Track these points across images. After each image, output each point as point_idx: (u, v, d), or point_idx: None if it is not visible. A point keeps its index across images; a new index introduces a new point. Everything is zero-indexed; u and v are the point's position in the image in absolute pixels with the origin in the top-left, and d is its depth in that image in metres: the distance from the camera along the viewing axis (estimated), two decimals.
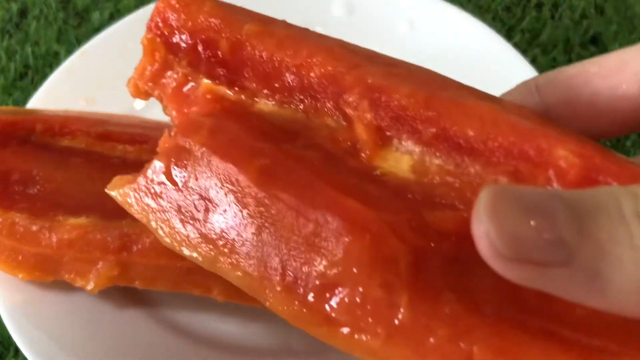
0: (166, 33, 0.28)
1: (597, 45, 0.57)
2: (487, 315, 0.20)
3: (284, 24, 0.28)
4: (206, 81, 0.28)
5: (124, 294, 0.40)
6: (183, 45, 0.28)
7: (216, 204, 0.24)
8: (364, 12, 0.54)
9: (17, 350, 0.42)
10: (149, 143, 0.40)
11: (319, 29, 0.57)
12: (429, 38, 0.52)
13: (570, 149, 0.21)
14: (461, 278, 0.21)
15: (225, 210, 0.24)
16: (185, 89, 0.28)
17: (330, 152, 0.25)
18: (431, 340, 0.20)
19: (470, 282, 0.21)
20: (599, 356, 0.19)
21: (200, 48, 0.27)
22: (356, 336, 0.21)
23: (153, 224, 0.26)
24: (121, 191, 0.27)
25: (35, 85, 0.56)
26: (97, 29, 0.59)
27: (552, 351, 0.19)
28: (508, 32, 0.58)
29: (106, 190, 0.28)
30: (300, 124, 0.26)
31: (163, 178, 0.26)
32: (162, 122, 0.44)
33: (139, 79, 0.28)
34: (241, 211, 0.24)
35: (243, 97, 0.27)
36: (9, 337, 0.42)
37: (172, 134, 0.26)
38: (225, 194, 0.24)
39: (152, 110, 0.49)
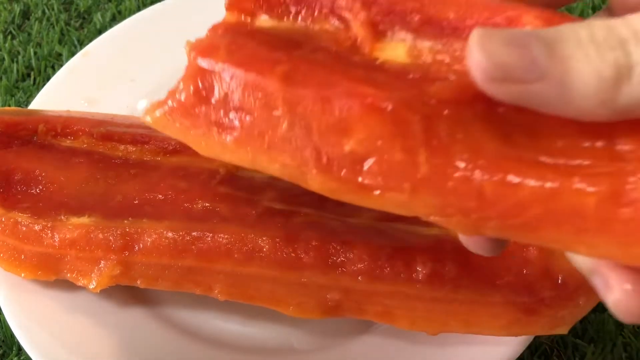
0: None
1: None
2: (490, 157, 0.24)
3: None
4: None
5: (126, 292, 0.40)
6: None
7: (248, 111, 0.27)
8: None
9: (20, 349, 0.42)
10: (150, 143, 0.40)
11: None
12: None
13: (534, 14, 0.25)
14: (464, 134, 0.24)
15: (257, 115, 0.27)
16: None
17: (335, 52, 0.28)
18: (449, 184, 0.24)
19: (472, 135, 0.24)
20: (572, 170, 0.23)
21: None
22: (387, 194, 0.25)
23: (189, 139, 0.29)
24: (153, 115, 0.29)
25: (37, 86, 0.56)
26: (99, 31, 0.59)
27: (544, 173, 0.23)
28: None
29: (140, 117, 0.30)
30: (301, 33, 0.29)
31: (191, 97, 0.28)
32: None
33: None
34: (272, 113, 0.26)
35: (242, 17, 0.30)
36: (12, 336, 0.42)
37: (191, 57, 0.29)
38: (255, 101, 0.27)
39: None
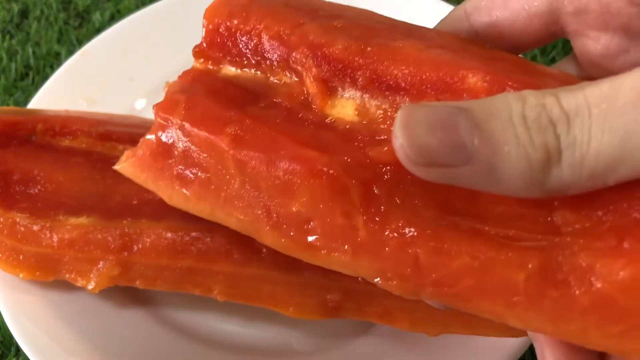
0: None
1: None
2: (426, 225, 0.24)
3: None
4: None
5: (124, 293, 0.40)
6: None
7: (203, 166, 0.28)
8: None
9: (18, 350, 0.42)
10: None
11: None
12: None
13: (479, 75, 0.25)
14: (403, 197, 0.25)
15: (211, 171, 0.28)
16: None
17: (288, 108, 0.29)
18: (386, 250, 0.24)
19: (410, 200, 0.25)
20: (506, 242, 0.23)
21: None
22: (332, 255, 0.25)
23: (157, 189, 0.30)
24: (124, 165, 0.31)
25: (36, 85, 0.56)
26: (98, 30, 0.59)
27: (478, 245, 0.23)
28: None
29: (114, 167, 0.32)
30: (261, 84, 0.30)
31: (156, 150, 0.30)
32: None
33: None
34: (224, 170, 0.27)
35: (209, 65, 0.31)
36: (10, 337, 0.42)
37: (154, 111, 0.30)
38: (209, 158, 0.28)
39: (152, 110, 0.50)
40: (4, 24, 0.62)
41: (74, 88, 0.50)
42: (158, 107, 0.30)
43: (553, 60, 0.55)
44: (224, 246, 0.35)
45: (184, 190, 0.29)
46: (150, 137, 0.30)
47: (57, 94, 0.49)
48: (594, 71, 0.28)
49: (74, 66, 0.51)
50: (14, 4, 0.63)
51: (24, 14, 0.63)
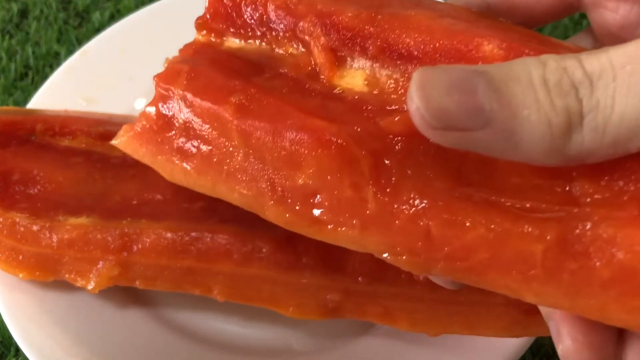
0: None
1: None
2: (438, 197, 0.23)
3: None
4: None
5: (124, 293, 0.40)
6: None
7: (205, 139, 0.27)
8: None
9: (17, 350, 0.42)
10: None
11: None
12: None
13: (495, 43, 0.24)
14: (414, 168, 0.24)
15: (214, 143, 0.27)
16: None
17: (295, 78, 0.28)
18: (396, 223, 0.23)
19: (422, 171, 0.24)
20: (522, 214, 0.22)
21: None
22: (339, 229, 0.24)
23: (156, 164, 0.29)
24: (122, 140, 0.30)
25: (35, 85, 0.56)
26: (98, 29, 0.59)
27: (493, 216, 0.22)
28: None
29: (111, 142, 0.31)
30: (266, 55, 0.29)
31: (155, 123, 0.29)
32: None
33: None
34: (227, 142, 0.27)
35: (212, 38, 0.30)
36: (10, 337, 0.42)
37: (154, 81, 0.29)
38: (211, 130, 0.27)
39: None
40: (3, 24, 0.61)
41: (74, 88, 0.50)
42: (159, 78, 0.29)
43: None
44: (224, 246, 0.35)
45: (185, 165, 0.28)
46: (149, 109, 0.29)
47: (57, 94, 0.49)
48: (611, 44, 0.28)
49: (74, 66, 0.51)
50: (14, 3, 0.63)
51: (23, 13, 0.63)
